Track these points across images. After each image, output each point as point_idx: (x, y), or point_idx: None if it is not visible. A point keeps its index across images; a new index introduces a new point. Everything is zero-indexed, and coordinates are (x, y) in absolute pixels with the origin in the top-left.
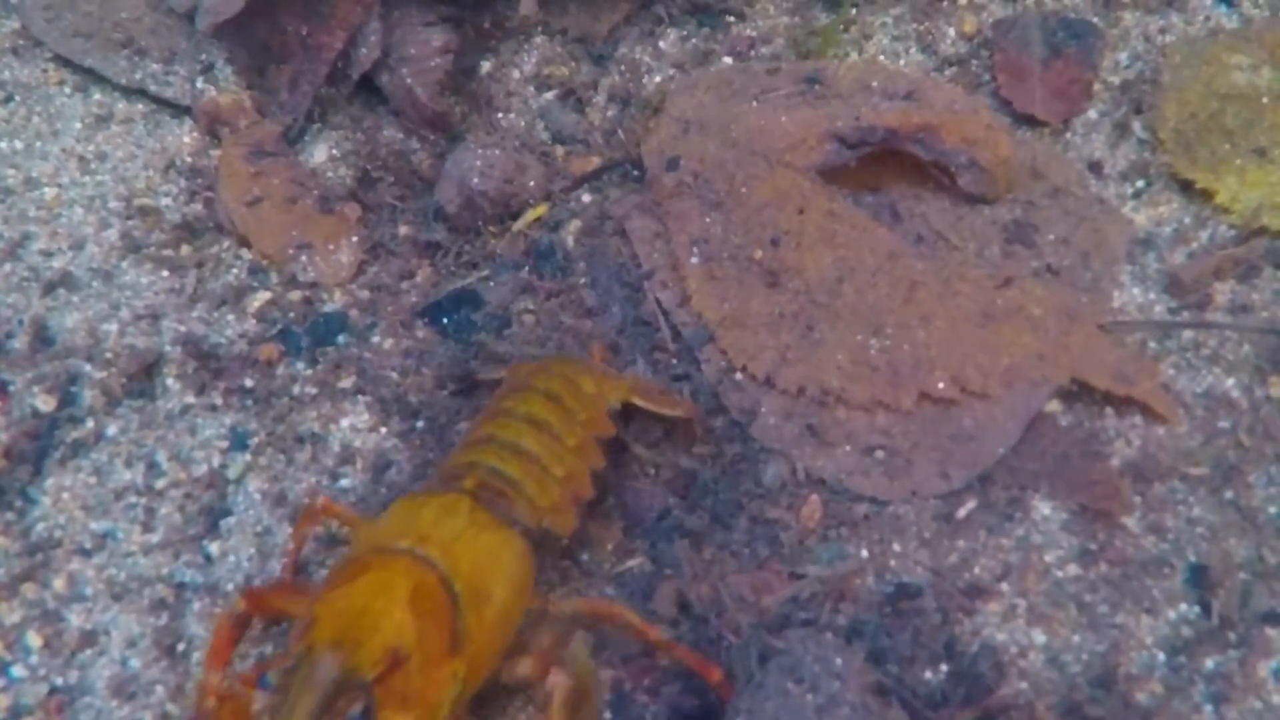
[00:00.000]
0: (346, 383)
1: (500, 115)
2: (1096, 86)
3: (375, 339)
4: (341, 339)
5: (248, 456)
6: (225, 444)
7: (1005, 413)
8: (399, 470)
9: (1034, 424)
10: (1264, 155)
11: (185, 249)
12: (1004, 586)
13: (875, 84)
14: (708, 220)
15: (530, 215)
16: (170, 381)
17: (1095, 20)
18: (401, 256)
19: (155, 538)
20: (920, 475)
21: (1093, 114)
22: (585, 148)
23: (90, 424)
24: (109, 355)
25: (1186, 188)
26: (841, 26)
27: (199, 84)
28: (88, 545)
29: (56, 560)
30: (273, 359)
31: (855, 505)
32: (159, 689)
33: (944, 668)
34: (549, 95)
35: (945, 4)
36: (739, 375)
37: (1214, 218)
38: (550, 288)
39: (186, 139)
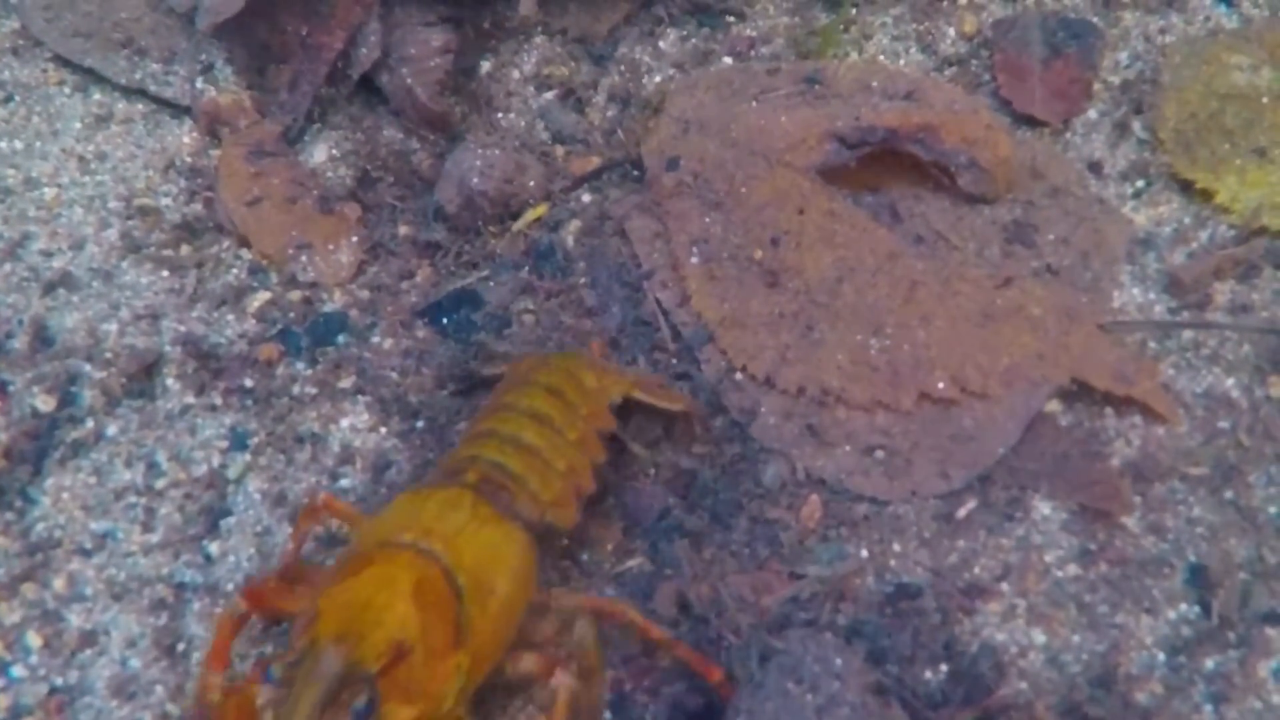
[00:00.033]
0: (346, 383)
1: (500, 115)
2: (1096, 86)
3: (375, 339)
4: (341, 339)
5: (248, 456)
6: (225, 444)
7: (1005, 413)
8: (399, 470)
9: (1034, 424)
10: (1264, 155)
11: (185, 249)
12: (1004, 586)
13: (875, 84)
14: (708, 220)
15: (530, 215)
16: (170, 381)
17: (1095, 20)
18: (401, 256)
19: (155, 538)
20: (920, 475)
21: (1093, 114)
22: (585, 148)
23: (90, 424)
24: (109, 355)
25: (1186, 188)
26: (841, 26)
27: (199, 84)
28: (88, 545)
29: (56, 560)
30: (273, 359)
31: (855, 505)
32: (159, 689)
33: (944, 668)
34: (549, 95)
35: (945, 4)
36: (739, 375)
37: (1214, 218)
38: (550, 288)
39: (186, 139)
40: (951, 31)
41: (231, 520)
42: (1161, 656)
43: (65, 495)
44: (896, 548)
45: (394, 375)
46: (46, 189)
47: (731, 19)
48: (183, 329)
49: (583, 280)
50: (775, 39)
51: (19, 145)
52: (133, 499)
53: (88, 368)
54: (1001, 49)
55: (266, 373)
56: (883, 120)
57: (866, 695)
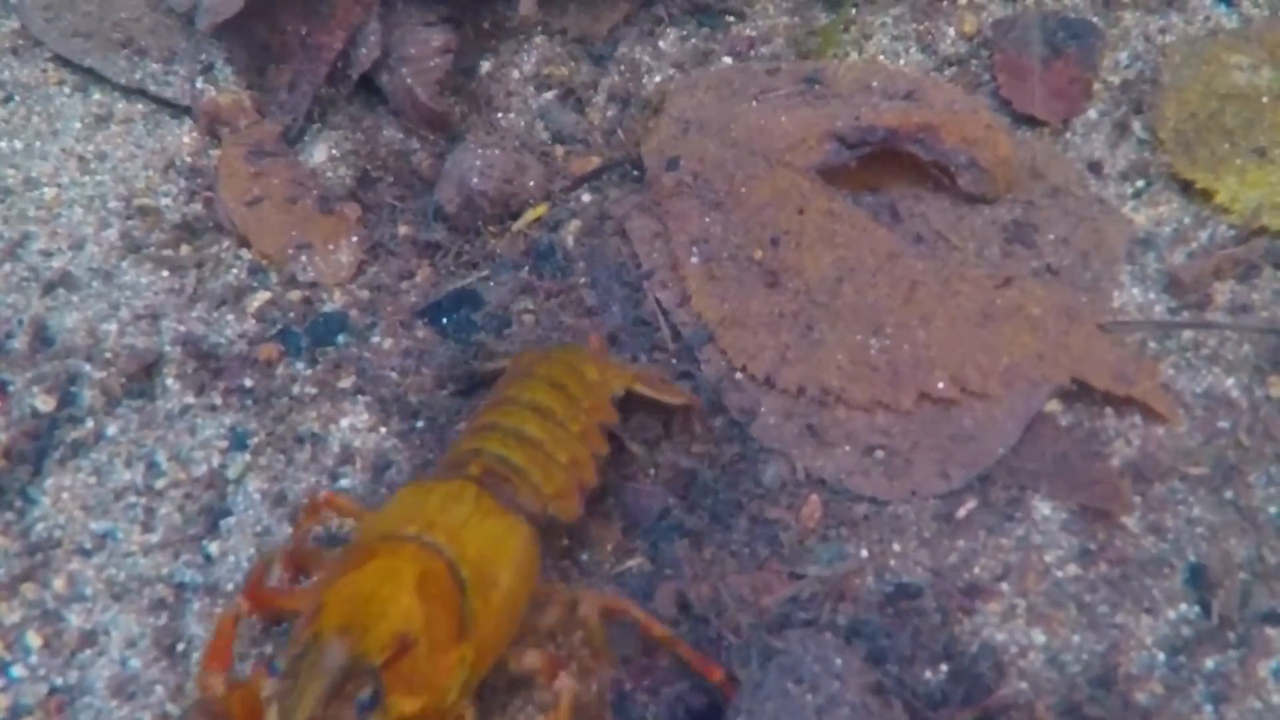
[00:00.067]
0: (346, 383)
1: (500, 115)
2: (1096, 86)
3: (375, 339)
4: (341, 339)
5: (247, 456)
6: (225, 444)
7: (1005, 413)
8: (399, 470)
9: (1034, 424)
10: (1264, 155)
11: (185, 249)
12: (1004, 586)
13: (875, 84)
14: (707, 220)
15: (530, 215)
16: (170, 381)
17: (1095, 20)
18: (401, 256)
19: (155, 538)
20: (920, 475)
21: (1093, 114)
22: (585, 148)
23: (90, 424)
24: (109, 355)
25: (1186, 188)
26: (841, 26)
27: (199, 84)
28: (87, 545)
29: (56, 560)
30: (272, 359)
31: (855, 505)
32: (159, 689)
33: (944, 668)
34: (549, 95)
35: (945, 4)
36: (739, 375)
37: (1214, 218)
38: (550, 288)
39: (186, 139)
40: (951, 31)
41: (231, 520)
42: (1161, 656)
43: (65, 495)
44: (896, 548)
45: (394, 375)
46: (46, 189)
47: (731, 19)
48: (183, 329)
49: (583, 280)
50: (775, 39)
51: (19, 145)
52: (133, 499)
53: (88, 368)
54: (1001, 49)
55: (266, 373)
56: (883, 120)
57: (866, 695)
